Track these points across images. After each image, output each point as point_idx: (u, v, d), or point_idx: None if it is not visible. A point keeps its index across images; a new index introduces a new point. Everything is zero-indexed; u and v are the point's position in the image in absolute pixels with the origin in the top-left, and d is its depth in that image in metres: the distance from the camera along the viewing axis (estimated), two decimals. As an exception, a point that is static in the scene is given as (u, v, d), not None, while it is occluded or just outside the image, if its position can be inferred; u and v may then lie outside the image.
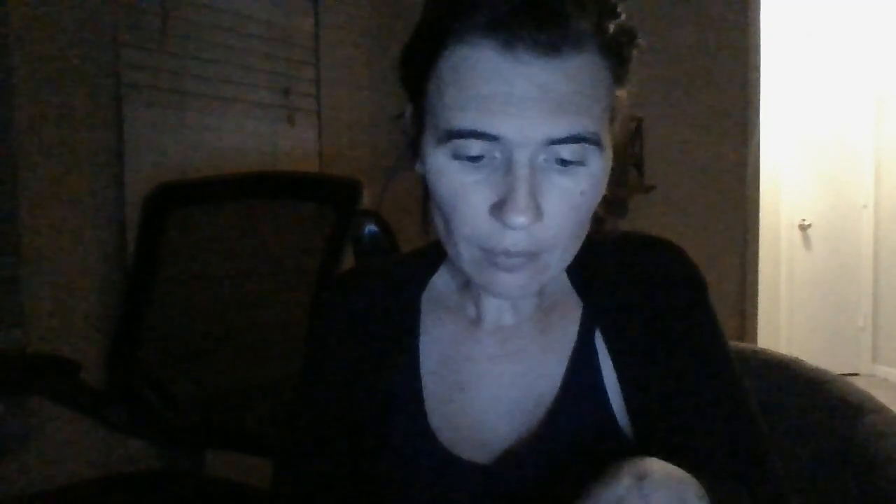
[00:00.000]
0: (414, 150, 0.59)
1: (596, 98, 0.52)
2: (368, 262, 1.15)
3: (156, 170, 1.74)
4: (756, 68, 2.49)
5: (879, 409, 0.75)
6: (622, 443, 0.58)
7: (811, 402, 0.80)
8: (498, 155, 0.52)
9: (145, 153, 1.75)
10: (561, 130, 0.51)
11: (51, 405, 1.42)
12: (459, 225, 0.54)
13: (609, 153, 0.56)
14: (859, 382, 0.83)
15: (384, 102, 2.38)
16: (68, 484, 1.30)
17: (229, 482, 1.30)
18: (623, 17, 0.54)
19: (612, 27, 0.53)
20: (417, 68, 0.55)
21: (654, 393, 0.60)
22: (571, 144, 0.51)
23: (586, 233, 0.58)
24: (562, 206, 0.53)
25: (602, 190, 0.56)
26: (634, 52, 0.56)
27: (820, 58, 4.46)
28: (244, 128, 2.03)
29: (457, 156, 0.53)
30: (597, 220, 0.61)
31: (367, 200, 1.29)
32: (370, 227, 1.23)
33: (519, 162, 0.51)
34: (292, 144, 2.17)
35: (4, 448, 1.43)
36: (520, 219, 0.51)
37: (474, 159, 0.53)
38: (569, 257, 0.57)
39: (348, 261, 1.26)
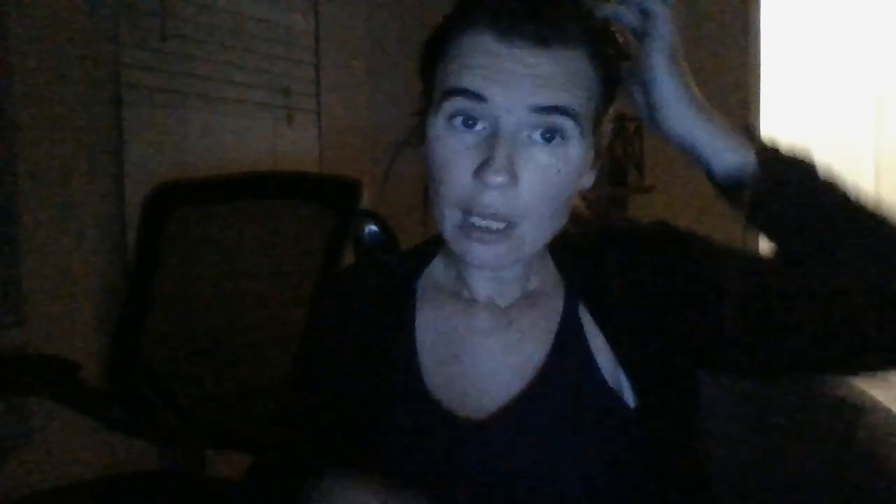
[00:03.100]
0: (421, 130, 0.65)
1: (580, 87, 0.59)
2: (368, 258, 1.17)
3: (156, 170, 1.74)
4: (756, 68, 2.49)
5: (879, 409, 0.75)
6: (608, 395, 0.64)
7: (811, 402, 0.80)
8: (487, 126, 0.59)
9: (145, 153, 1.75)
10: (546, 100, 0.57)
11: (51, 405, 1.42)
12: (447, 188, 0.60)
13: (591, 150, 0.62)
14: (859, 382, 0.83)
15: (384, 102, 2.38)
16: (68, 484, 1.30)
17: (229, 482, 1.30)
18: (620, 41, 0.62)
19: (604, 47, 0.61)
20: (430, 57, 0.64)
21: (647, 344, 0.64)
22: (555, 116, 0.58)
23: (564, 218, 0.63)
24: (537, 178, 0.59)
25: (579, 176, 0.62)
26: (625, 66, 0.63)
27: (820, 58, 4.46)
28: (244, 128, 2.03)
29: (452, 116, 0.59)
30: (584, 222, 0.67)
31: (366, 200, 1.30)
32: (370, 227, 1.23)
33: (503, 129, 0.58)
34: (292, 144, 2.17)
35: (4, 448, 1.43)
36: (496, 178, 0.57)
37: (467, 125, 0.59)
38: (542, 234, 0.62)
39: (348, 261, 1.27)
